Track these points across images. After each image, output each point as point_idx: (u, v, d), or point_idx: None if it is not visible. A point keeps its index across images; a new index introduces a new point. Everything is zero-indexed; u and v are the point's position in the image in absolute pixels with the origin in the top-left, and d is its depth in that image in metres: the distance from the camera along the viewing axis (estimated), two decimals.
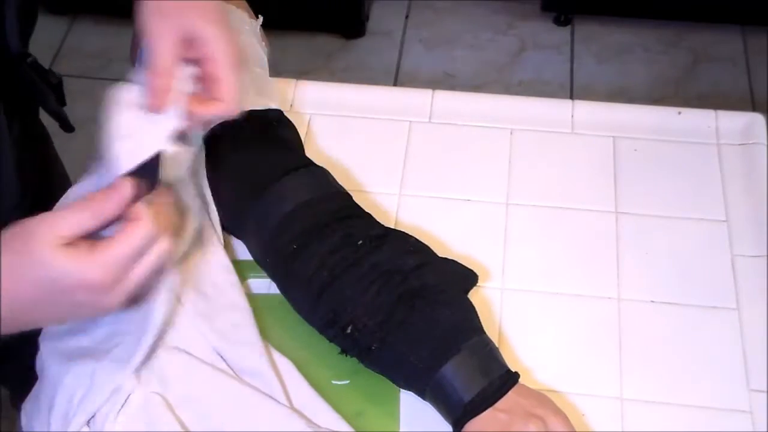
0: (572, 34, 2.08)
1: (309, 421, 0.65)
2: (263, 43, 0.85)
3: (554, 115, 0.89)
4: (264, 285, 0.75)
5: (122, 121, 0.61)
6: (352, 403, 0.68)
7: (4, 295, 0.52)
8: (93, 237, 0.55)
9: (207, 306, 0.70)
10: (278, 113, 0.79)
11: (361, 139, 0.87)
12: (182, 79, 0.63)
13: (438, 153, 0.86)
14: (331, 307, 0.67)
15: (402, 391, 0.69)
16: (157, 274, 0.59)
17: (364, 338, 0.65)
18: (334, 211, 0.70)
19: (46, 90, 0.76)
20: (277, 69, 0.86)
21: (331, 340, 0.68)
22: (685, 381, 0.71)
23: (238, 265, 0.75)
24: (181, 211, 0.69)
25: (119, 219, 0.55)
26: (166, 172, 0.60)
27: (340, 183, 0.74)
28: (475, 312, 0.68)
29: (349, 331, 0.66)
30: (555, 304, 0.75)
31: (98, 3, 2.02)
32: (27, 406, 0.68)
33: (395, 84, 1.98)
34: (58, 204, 0.68)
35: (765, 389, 0.70)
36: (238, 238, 0.75)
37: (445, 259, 0.71)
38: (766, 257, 0.77)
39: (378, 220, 0.72)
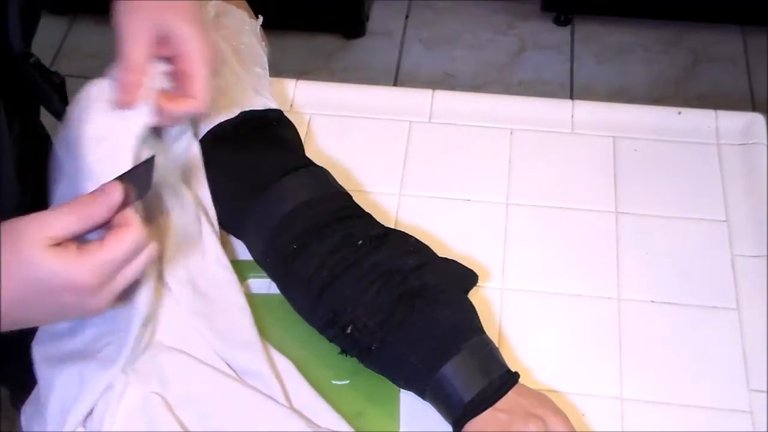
0: (572, 34, 2.08)
1: (309, 421, 0.65)
2: (263, 43, 0.85)
3: (554, 115, 0.89)
4: (264, 285, 0.75)
5: (94, 121, 0.62)
6: (352, 403, 0.68)
7: None
8: (79, 239, 0.55)
9: (205, 305, 0.70)
10: (278, 113, 0.79)
11: (361, 139, 0.87)
12: (153, 76, 0.63)
13: (438, 153, 0.86)
14: (331, 307, 0.67)
15: (402, 391, 0.69)
16: (141, 276, 0.60)
17: (364, 338, 0.65)
18: (334, 211, 0.70)
19: (49, 90, 0.76)
20: (277, 69, 0.86)
21: (331, 340, 0.68)
22: (685, 381, 0.71)
23: (238, 265, 0.75)
24: (161, 211, 0.69)
25: (107, 223, 0.55)
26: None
27: (340, 183, 0.74)
28: (475, 312, 0.68)
29: (349, 331, 0.66)
30: (555, 304, 0.75)
31: (98, 3, 2.01)
32: (27, 409, 0.68)
33: (395, 84, 1.98)
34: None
35: (765, 389, 0.70)
36: (238, 238, 0.75)
37: (445, 259, 0.71)
38: (766, 257, 0.77)
39: (378, 220, 0.72)
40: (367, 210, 0.73)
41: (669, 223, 0.80)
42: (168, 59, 0.64)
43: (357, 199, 0.74)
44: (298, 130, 0.80)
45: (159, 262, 0.69)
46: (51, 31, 2.06)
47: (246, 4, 0.86)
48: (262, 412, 0.65)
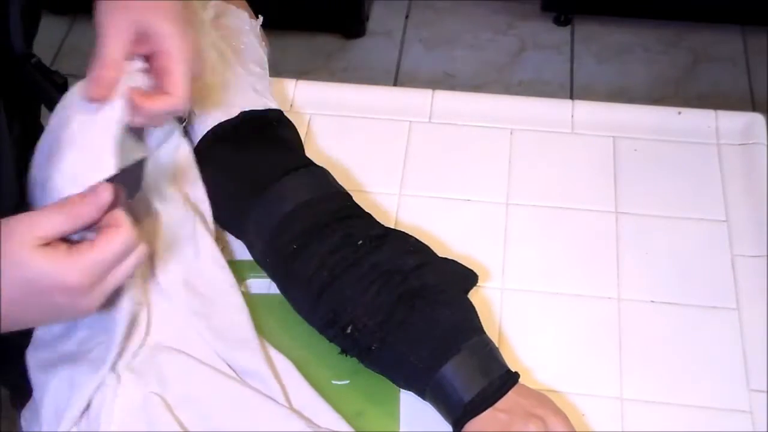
0: (572, 34, 2.08)
1: (309, 421, 0.65)
2: (263, 43, 0.85)
3: (554, 115, 0.89)
4: (264, 285, 0.75)
5: (71, 125, 0.62)
6: (352, 403, 0.68)
7: None
8: (69, 240, 0.55)
9: (203, 305, 0.70)
10: (278, 113, 0.79)
11: (361, 139, 0.87)
12: (130, 73, 0.63)
13: (438, 153, 0.86)
14: (331, 307, 0.67)
15: (402, 391, 0.69)
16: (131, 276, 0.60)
17: (364, 338, 0.65)
18: (334, 211, 0.70)
19: (50, 90, 0.76)
20: (277, 69, 0.86)
21: (331, 340, 0.68)
22: (685, 381, 0.71)
23: (238, 265, 0.75)
24: (148, 213, 0.69)
25: (96, 224, 0.55)
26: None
27: (340, 183, 0.74)
28: (475, 312, 0.68)
29: (349, 331, 0.66)
30: (555, 304, 0.75)
31: None
32: (26, 415, 0.68)
33: (395, 84, 1.98)
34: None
35: (765, 389, 0.70)
36: (238, 238, 0.75)
37: (445, 259, 0.71)
38: (766, 257, 0.77)
39: (378, 220, 0.72)
40: (367, 210, 0.73)
41: (669, 223, 0.80)
42: (147, 57, 0.64)
43: (357, 199, 0.74)
44: (298, 130, 0.80)
45: (150, 263, 0.69)
46: (51, 31, 2.06)
47: (246, 4, 0.86)
48: (262, 412, 0.65)
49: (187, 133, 0.75)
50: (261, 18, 0.85)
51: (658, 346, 0.73)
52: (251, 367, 0.68)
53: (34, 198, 0.66)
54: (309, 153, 0.78)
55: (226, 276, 0.72)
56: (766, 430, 0.68)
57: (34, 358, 0.67)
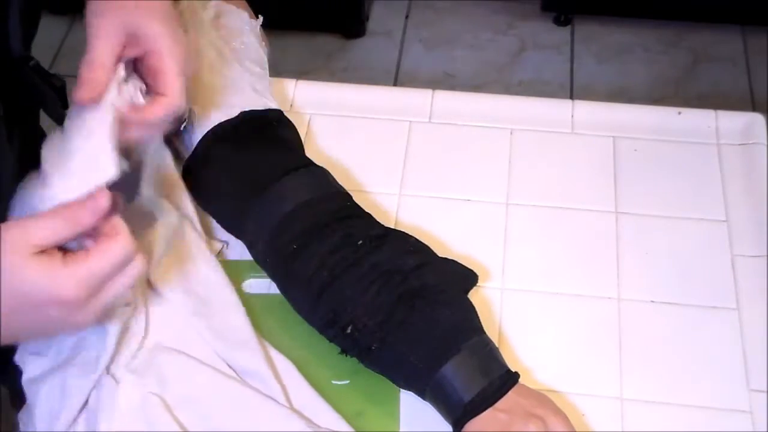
0: (572, 34, 2.08)
1: (309, 421, 0.65)
2: (263, 43, 0.85)
3: (554, 115, 0.89)
4: (264, 285, 0.75)
5: (68, 129, 0.61)
6: (352, 403, 0.68)
7: None
8: (65, 248, 0.53)
9: (201, 305, 0.70)
10: (278, 113, 0.79)
11: (361, 139, 0.87)
12: (128, 90, 0.62)
13: (438, 153, 0.86)
14: (331, 307, 0.67)
15: (402, 391, 0.69)
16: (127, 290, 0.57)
17: (364, 338, 0.65)
18: (334, 211, 0.70)
19: (49, 93, 0.75)
20: (277, 69, 0.86)
21: (331, 340, 0.68)
22: (685, 381, 0.71)
23: (238, 265, 0.75)
24: (140, 220, 0.68)
25: (92, 231, 0.53)
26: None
27: (340, 183, 0.74)
28: (475, 312, 0.68)
29: (349, 331, 0.66)
30: (555, 304, 0.75)
31: None
32: (23, 417, 0.68)
33: (395, 84, 1.98)
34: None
35: (765, 389, 0.70)
36: (238, 238, 0.75)
37: (445, 259, 0.71)
38: (766, 257, 0.77)
39: (378, 220, 0.72)
40: (367, 210, 0.73)
41: (669, 223, 0.80)
42: (139, 58, 0.63)
43: (357, 199, 0.74)
44: (298, 130, 0.80)
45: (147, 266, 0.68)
46: (51, 31, 2.06)
47: (246, 4, 0.86)
48: (262, 412, 0.65)
49: (186, 133, 0.75)
50: (261, 18, 0.85)
51: (658, 346, 0.73)
52: (251, 367, 0.68)
53: (29, 208, 0.63)
54: (309, 153, 0.78)
55: (221, 278, 0.72)
56: (766, 430, 0.68)
57: (24, 363, 0.67)
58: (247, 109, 0.76)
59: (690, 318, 0.74)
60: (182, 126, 0.73)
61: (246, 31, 0.82)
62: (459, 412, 0.62)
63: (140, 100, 0.63)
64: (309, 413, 0.66)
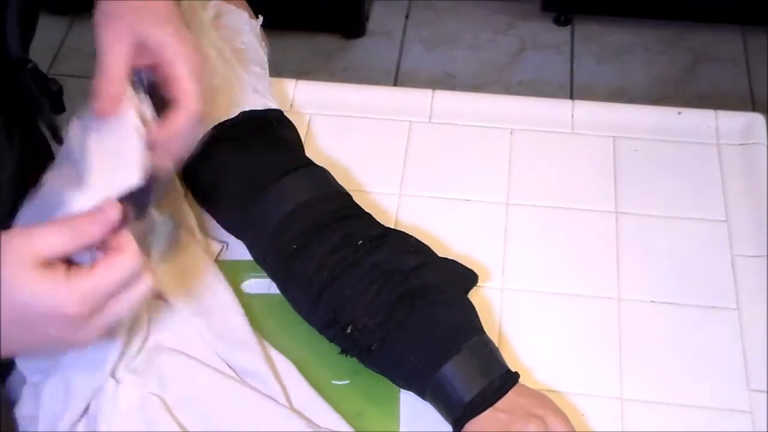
0: (572, 34, 2.08)
1: (309, 421, 0.65)
2: (263, 43, 0.85)
3: (554, 115, 0.89)
4: (264, 285, 0.75)
5: (86, 140, 0.60)
6: (352, 403, 0.68)
7: None
8: (71, 261, 0.51)
9: (200, 306, 0.70)
10: (278, 113, 0.79)
11: (361, 139, 0.87)
12: (142, 98, 0.62)
13: (438, 153, 0.86)
14: (331, 307, 0.67)
15: (402, 391, 0.69)
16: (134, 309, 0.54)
17: (364, 338, 0.65)
18: (334, 211, 0.70)
19: (41, 100, 0.75)
20: (277, 69, 0.86)
21: (331, 340, 0.68)
22: (685, 381, 0.71)
23: (238, 265, 0.75)
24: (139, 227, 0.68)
25: (99, 245, 0.51)
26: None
27: (340, 183, 0.74)
28: (475, 312, 0.68)
29: (349, 331, 0.66)
30: (555, 304, 0.75)
31: None
32: (24, 416, 0.67)
33: (395, 84, 1.98)
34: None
35: (765, 389, 0.70)
36: (238, 238, 0.75)
37: (445, 259, 0.71)
38: (766, 257, 0.77)
39: (378, 220, 0.72)
40: (367, 210, 0.73)
41: (669, 223, 0.80)
42: (150, 66, 0.63)
43: (357, 199, 0.74)
44: (298, 130, 0.80)
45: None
46: (51, 31, 2.06)
47: (246, 4, 0.86)
48: (262, 412, 0.65)
49: None
50: (261, 18, 0.85)
51: (658, 346, 0.73)
52: (251, 367, 0.68)
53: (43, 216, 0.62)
54: (309, 153, 0.78)
55: (218, 279, 0.72)
56: (766, 430, 0.68)
57: (24, 365, 0.66)
58: (247, 109, 0.76)
59: (690, 318, 0.74)
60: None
61: (246, 31, 0.82)
62: (459, 412, 0.62)
63: (149, 113, 0.63)
64: (309, 413, 0.66)
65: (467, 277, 0.72)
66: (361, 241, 0.68)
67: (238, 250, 0.76)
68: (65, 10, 2.08)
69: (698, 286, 0.76)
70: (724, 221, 0.80)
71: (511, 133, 0.88)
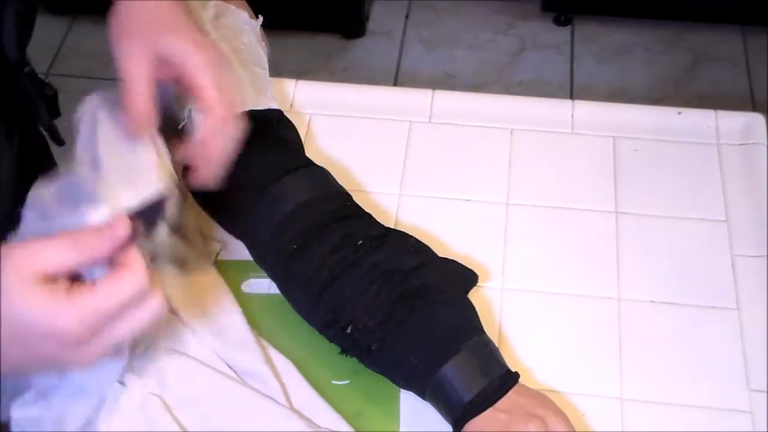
0: (572, 34, 2.08)
1: (309, 421, 0.65)
2: (263, 43, 0.85)
3: (554, 115, 0.89)
4: (264, 285, 0.75)
5: (101, 149, 0.59)
6: (352, 403, 0.68)
7: None
8: (77, 277, 0.49)
9: (199, 308, 0.70)
10: (278, 113, 0.79)
11: (361, 139, 0.87)
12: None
13: (438, 153, 0.86)
14: (331, 307, 0.67)
15: (402, 391, 0.69)
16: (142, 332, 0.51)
17: (364, 338, 0.65)
18: (334, 211, 0.70)
19: (38, 103, 0.75)
20: (277, 69, 0.86)
21: (331, 340, 0.68)
22: (685, 381, 0.71)
23: (238, 265, 0.75)
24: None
25: (107, 261, 0.49)
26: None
27: (340, 183, 0.74)
28: (475, 312, 0.68)
29: (349, 331, 0.66)
30: (555, 304, 0.75)
31: (98, 3, 2.02)
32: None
33: (395, 84, 1.98)
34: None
35: (765, 389, 0.70)
36: (238, 238, 0.75)
37: (445, 259, 0.71)
38: (766, 257, 0.77)
39: (378, 220, 0.72)
40: (367, 210, 0.73)
41: (669, 223, 0.80)
42: (173, 78, 0.63)
43: (357, 199, 0.74)
44: (298, 130, 0.80)
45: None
46: (51, 31, 2.06)
47: (246, 4, 0.86)
48: (262, 412, 0.65)
49: (186, 133, 0.75)
50: (261, 18, 0.85)
51: (658, 346, 0.73)
52: (251, 367, 0.68)
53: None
54: (309, 153, 0.78)
55: (216, 280, 0.72)
56: (766, 430, 0.68)
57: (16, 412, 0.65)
58: (247, 109, 0.76)
59: (690, 318, 0.74)
60: (180, 126, 0.73)
61: (246, 31, 0.82)
62: (459, 412, 0.62)
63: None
64: (309, 413, 0.66)
65: (467, 277, 0.72)
66: (361, 241, 0.68)
67: (238, 250, 0.76)
68: (65, 10, 2.08)
69: (698, 286, 0.76)
70: (724, 221, 0.80)
71: (511, 133, 0.88)
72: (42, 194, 0.60)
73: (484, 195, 0.83)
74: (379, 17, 2.12)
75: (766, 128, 0.86)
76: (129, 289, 0.48)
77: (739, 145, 0.86)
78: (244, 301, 0.73)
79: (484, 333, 0.66)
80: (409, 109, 0.90)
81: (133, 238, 0.49)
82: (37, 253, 0.47)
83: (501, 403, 0.62)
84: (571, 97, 1.87)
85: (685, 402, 0.69)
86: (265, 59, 0.84)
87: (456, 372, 0.63)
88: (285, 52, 2.00)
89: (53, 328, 0.46)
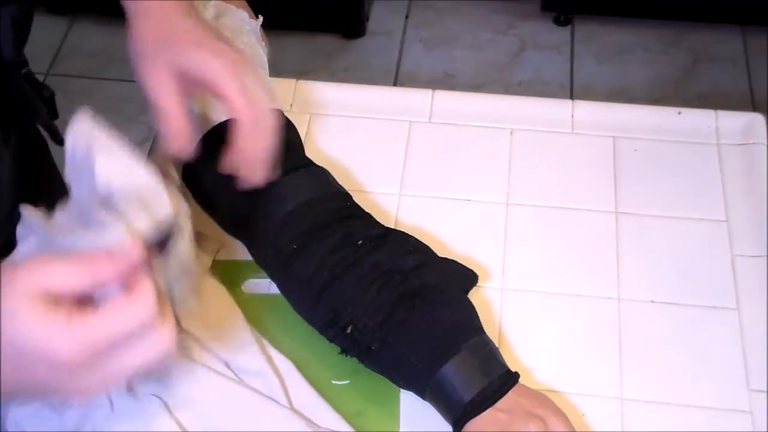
0: (572, 34, 2.08)
1: (309, 421, 0.66)
2: (263, 43, 0.85)
3: (554, 115, 0.89)
4: (264, 285, 0.75)
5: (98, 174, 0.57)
6: (352, 403, 0.68)
7: None
8: (88, 300, 0.45)
9: (199, 309, 0.70)
10: (278, 113, 0.79)
11: (361, 139, 0.87)
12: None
13: (438, 153, 0.86)
14: (331, 307, 0.67)
15: (402, 391, 0.69)
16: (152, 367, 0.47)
17: (364, 338, 0.65)
18: (334, 211, 0.70)
19: (38, 103, 0.75)
20: (277, 69, 0.86)
21: (331, 340, 0.68)
22: (685, 381, 0.71)
23: (238, 265, 0.75)
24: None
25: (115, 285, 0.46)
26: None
27: (340, 183, 0.74)
28: (475, 312, 0.68)
29: (349, 331, 0.66)
30: (555, 304, 0.75)
31: (98, 3, 2.02)
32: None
33: (395, 84, 1.98)
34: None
35: (765, 389, 0.70)
36: (238, 238, 0.75)
37: (445, 259, 0.71)
38: (766, 257, 0.77)
39: (378, 220, 0.72)
40: (367, 210, 0.73)
41: (669, 223, 0.80)
42: (200, 89, 0.64)
43: (357, 199, 0.74)
44: (298, 130, 0.80)
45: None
46: (51, 31, 2.06)
47: (246, 4, 0.86)
48: (262, 412, 0.65)
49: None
50: (261, 18, 0.85)
51: (658, 346, 0.73)
52: (251, 367, 0.68)
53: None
54: (309, 153, 0.78)
55: (213, 281, 0.72)
56: (766, 430, 0.68)
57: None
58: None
59: (690, 318, 0.74)
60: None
61: (246, 31, 0.82)
62: (459, 412, 0.62)
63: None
64: (309, 413, 0.66)
65: (467, 277, 0.72)
66: (361, 241, 0.68)
67: (238, 250, 0.76)
68: (65, 10, 2.08)
69: (698, 286, 0.76)
70: (724, 221, 0.80)
71: (511, 133, 0.88)
72: (40, 216, 0.58)
73: (484, 195, 0.83)
74: (379, 17, 2.12)
75: (766, 128, 0.86)
76: (135, 317, 0.44)
77: (739, 145, 0.86)
78: (244, 301, 0.73)
79: (484, 333, 0.66)
80: (409, 109, 0.90)
81: (145, 263, 0.46)
82: (42, 271, 0.44)
83: (501, 403, 0.62)
84: (571, 97, 1.87)
85: (685, 402, 0.69)
86: (265, 59, 0.84)
87: (456, 372, 0.63)
88: (285, 52, 2.00)
89: (46, 352, 0.43)
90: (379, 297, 0.65)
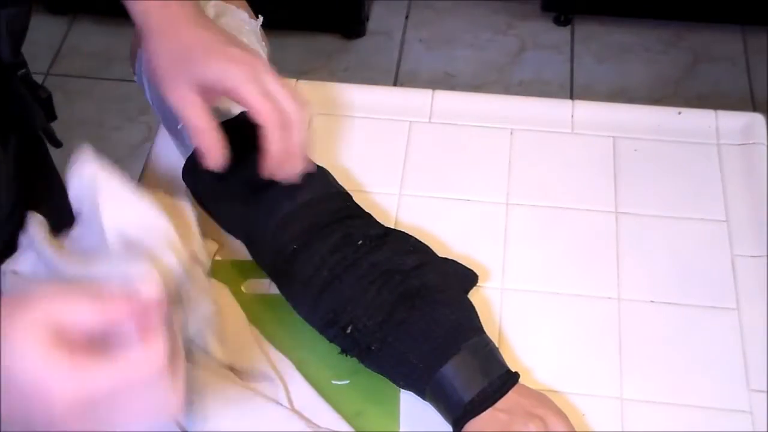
0: (572, 34, 2.08)
1: (309, 421, 0.66)
2: (263, 43, 0.85)
3: (554, 115, 0.89)
4: (264, 285, 0.75)
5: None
6: (352, 403, 0.68)
7: None
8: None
9: (196, 309, 0.70)
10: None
11: (361, 139, 0.87)
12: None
13: (438, 153, 0.86)
14: (331, 307, 0.67)
15: (402, 391, 0.69)
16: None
17: (364, 338, 0.65)
18: (334, 211, 0.70)
19: (35, 107, 0.75)
20: (277, 69, 0.86)
21: (331, 340, 0.68)
22: (685, 381, 0.71)
23: (238, 265, 0.75)
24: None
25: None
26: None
27: (340, 183, 0.74)
28: (475, 312, 0.68)
29: (349, 331, 0.66)
30: (555, 304, 0.75)
31: (98, 3, 2.03)
32: None
33: (395, 84, 1.98)
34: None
35: (765, 389, 0.70)
36: (238, 238, 0.75)
37: (445, 259, 0.71)
38: (766, 257, 0.77)
39: (378, 220, 0.72)
40: (367, 210, 0.73)
41: (669, 223, 0.80)
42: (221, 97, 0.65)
43: (357, 199, 0.74)
44: None
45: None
46: (51, 31, 2.06)
47: (246, 4, 0.86)
48: (262, 412, 0.65)
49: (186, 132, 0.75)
50: (261, 18, 0.85)
51: (658, 346, 0.73)
52: (252, 367, 0.68)
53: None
54: (309, 153, 0.78)
55: (215, 283, 0.72)
56: (766, 430, 0.68)
57: None
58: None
59: (690, 318, 0.74)
60: (180, 125, 0.73)
61: (246, 31, 0.82)
62: (459, 412, 0.62)
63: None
64: (309, 413, 0.66)
65: (467, 277, 0.72)
66: (361, 241, 0.68)
67: (238, 250, 0.76)
68: (65, 10, 2.08)
69: (698, 286, 0.76)
70: (724, 221, 0.80)
71: (511, 133, 0.88)
72: (45, 233, 0.57)
73: (484, 195, 0.83)
74: (379, 17, 2.12)
75: (766, 128, 0.86)
76: (141, 370, 0.42)
77: (739, 145, 0.86)
78: (244, 301, 0.73)
79: (484, 333, 0.66)
80: (409, 109, 0.90)
81: (162, 309, 0.43)
82: (56, 304, 0.42)
83: (501, 403, 0.62)
84: (571, 97, 1.87)
85: (685, 402, 0.69)
86: (265, 59, 0.84)
87: (456, 372, 0.63)
88: (285, 52, 2.00)
89: (41, 392, 0.41)
90: (379, 297, 0.65)
